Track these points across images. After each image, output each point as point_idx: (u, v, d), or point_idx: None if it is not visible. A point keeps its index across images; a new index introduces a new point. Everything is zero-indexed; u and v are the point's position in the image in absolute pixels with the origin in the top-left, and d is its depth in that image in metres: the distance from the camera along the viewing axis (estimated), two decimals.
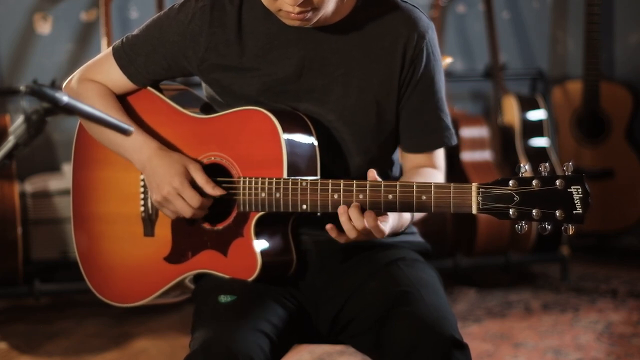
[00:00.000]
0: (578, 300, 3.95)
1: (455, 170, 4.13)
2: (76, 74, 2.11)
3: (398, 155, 2.13)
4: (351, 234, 1.82)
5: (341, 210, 1.82)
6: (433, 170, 2.03)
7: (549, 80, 4.82)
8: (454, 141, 2.04)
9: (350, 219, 1.81)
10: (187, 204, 1.93)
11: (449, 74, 4.50)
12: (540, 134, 4.31)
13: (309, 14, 1.84)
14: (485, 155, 4.19)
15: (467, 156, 4.16)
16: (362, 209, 1.81)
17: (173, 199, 1.94)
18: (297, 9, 1.81)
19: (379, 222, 1.80)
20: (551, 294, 4.04)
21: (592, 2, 4.38)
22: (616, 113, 4.48)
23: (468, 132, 4.17)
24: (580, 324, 3.66)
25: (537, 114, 4.33)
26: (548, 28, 4.87)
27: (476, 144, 4.19)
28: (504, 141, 4.31)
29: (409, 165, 2.05)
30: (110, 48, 2.09)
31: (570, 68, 4.83)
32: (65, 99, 1.47)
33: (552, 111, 4.62)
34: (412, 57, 1.96)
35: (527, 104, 4.34)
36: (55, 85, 3.79)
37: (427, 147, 2.03)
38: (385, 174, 2.06)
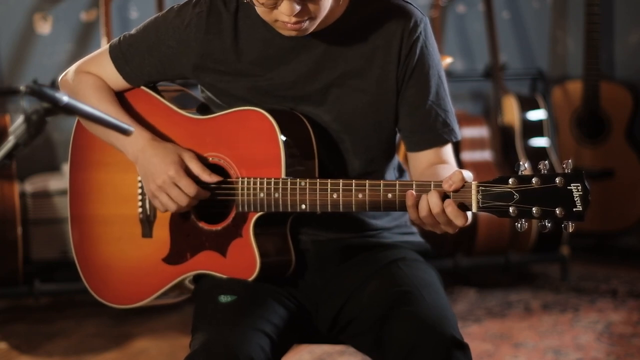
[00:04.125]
0: (578, 300, 3.95)
1: None
2: (72, 66, 2.11)
3: (398, 157, 2.12)
4: (422, 212, 1.74)
5: (409, 194, 1.75)
6: (446, 166, 1.98)
7: (549, 80, 4.82)
8: (456, 137, 2.01)
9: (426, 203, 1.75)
10: (182, 193, 1.93)
11: (449, 74, 4.51)
12: (540, 134, 4.31)
13: (306, 24, 1.83)
14: (485, 155, 4.20)
15: (467, 156, 4.16)
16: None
17: (168, 188, 1.93)
18: (294, 19, 1.81)
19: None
20: (551, 294, 4.04)
21: (592, 2, 4.38)
22: (616, 113, 4.48)
23: (468, 132, 4.18)
24: (580, 324, 3.65)
25: (537, 114, 4.33)
26: (548, 28, 4.87)
27: (476, 144, 4.19)
28: (504, 141, 4.31)
29: (420, 165, 2.01)
30: (107, 46, 2.08)
31: (570, 68, 4.83)
32: (65, 99, 1.47)
33: (552, 111, 4.62)
34: (406, 52, 1.95)
35: (527, 104, 4.34)
36: (55, 85, 3.79)
37: (427, 144, 1.99)
38: (385, 174, 2.06)
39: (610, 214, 4.52)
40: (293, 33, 1.86)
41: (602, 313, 3.77)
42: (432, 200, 1.74)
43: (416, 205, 1.76)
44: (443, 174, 1.81)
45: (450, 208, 1.72)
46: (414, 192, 1.76)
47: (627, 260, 4.57)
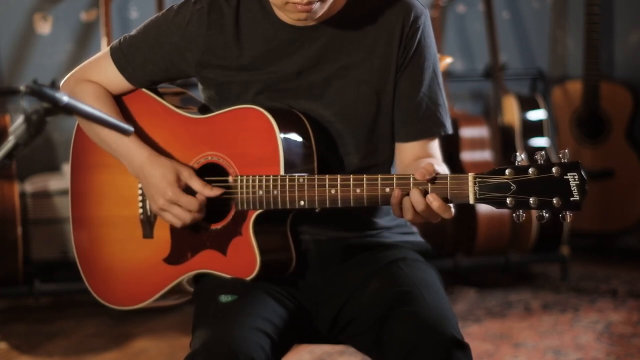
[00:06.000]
0: (578, 300, 3.95)
1: (456, 170, 4.12)
2: (73, 73, 2.11)
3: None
4: (407, 214, 1.78)
5: (396, 193, 1.77)
6: (431, 159, 1.98)
7: (549, 80, 4.82)
8: (445, 131, 2.02)
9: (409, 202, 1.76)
10: (184, 210, 1.93)
11: (449, 74, 4.51)
12: (540, 134, 4.31)
13: (316, 5, 1.84)
14: (485, 155, 4.20)
15: (467, 156, 4.16)
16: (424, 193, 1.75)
17: (169, 209, 1.94)
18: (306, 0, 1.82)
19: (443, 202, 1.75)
20: (551, 294, 4.04)
21: (592, 2, 4.38)
22: (616, 113, 4.48)
23: (468, 132, 4.17)
24: (580, 324, 3.66)
25: (537, 114, 4.33)
26: (548, 28, 4.87)
27: (476, 144, 4.19)
28: (504, 141, 4.31)
29: (406, 157, 2.02)
30: (108, 48, 2.09)
31: (570, 68, 4.83)
32: (65, 99, 1.47)
33: (552, 111, 4.63)
34: (405, 43, 1.96)
35: (527, 104, 4.34)
36: (55, 85, 3.79)
37: (415, 135, 2.00)
38: (385, 166, 2.06)
39: (610, 214, 4.52)
40: (302, 16, 1.85)
41: (602, 313, 3.77)
42: (414, 198, 1.75)
43: (400, 204, 1.78)
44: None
45: (437, 203, 1.74)
46: (397, 191, 1.77)
47: (627, 260, 4.57)
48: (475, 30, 4.69)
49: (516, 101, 4.31)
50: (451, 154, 4.15)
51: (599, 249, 4.70)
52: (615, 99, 4.49)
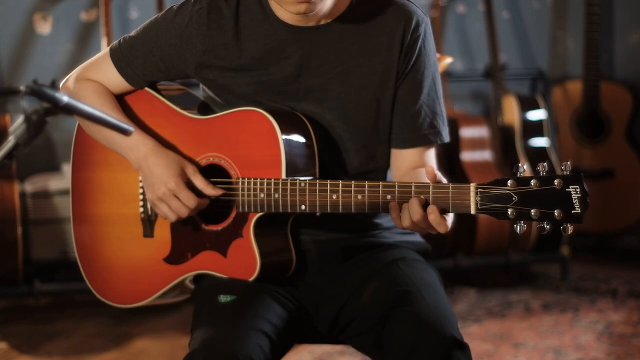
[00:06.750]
0: (578, 300, 3.95)
1: (456, 170, 4.14)
2: (73, 73, 2.12)
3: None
4: (405, 222, 1.79)
5: (392, 206, 1.78)
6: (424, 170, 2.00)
7: (549, 80, 4.83)
8: (442, 140, 2.02)
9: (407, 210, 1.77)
10: (183, 205, 1.93)
11: (449, 74, 4.51)
12: (540, 134, 4.31)
13: None
14: (485, 155, 4.20)
15: (467, 156, 4.16)
16: (423, 204, 1.76)
17: (168, 200, 1.94)
18: None
19: (441, 216, 1.75)
20: (551, 294, 4.04)
21: (592, 2, 4.38)
22: (616, 113, 4.48)
23: (468, 132, 4.17)
24: (580, 324, 3.66)
25: (537, 114, 4.33)
26: (548, 28, 4.87)
27: (476, 144, 4.19)
28: (504, 141, 4.31)
29: (402, 165, 2.02)
30: (108, 49, 2.09)
31: (570, 68, 4.83)
32: (65, 99, 1.47)
33: (552, 111, 4.63)
34: (406, 50, 1.96)
35: (527, 104, 4.34)
36: (55, 85, 3.79)
37: (412, 143, 2.00)
38: (385, 171, 2.06)
39: (610, 214, 4.52)
40: (302, 8, 1.85)
41: (602, 313, 3.77)
42: (411, 207, 1.76)
43: (399, 215, 1.79)
44: (424, 179, 1.83)
45: (433, 216, 1.75)
46: (395, 203, 1.78)
47: (627, 260, 4.57)
48: (475, 30, 4.69)
49: (516, 101, 4.31)
50: (451, 155, 4.15)
51: (599, 249, 4.70)
52: (615, 99, 4.49)
